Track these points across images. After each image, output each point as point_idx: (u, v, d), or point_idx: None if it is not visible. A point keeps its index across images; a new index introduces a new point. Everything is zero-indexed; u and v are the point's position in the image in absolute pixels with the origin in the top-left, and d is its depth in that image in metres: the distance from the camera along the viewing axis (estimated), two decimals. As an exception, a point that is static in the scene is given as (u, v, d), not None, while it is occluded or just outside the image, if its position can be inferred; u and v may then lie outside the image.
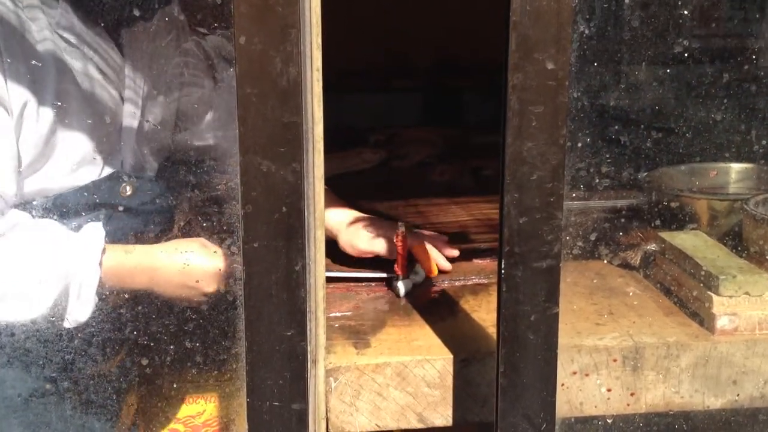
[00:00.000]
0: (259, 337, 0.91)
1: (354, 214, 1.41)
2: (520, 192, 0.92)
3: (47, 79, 1.13)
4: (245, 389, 0.92)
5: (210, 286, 1.16)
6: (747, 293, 1.14)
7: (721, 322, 1.13)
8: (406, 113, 3.09)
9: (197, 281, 1.15)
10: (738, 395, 1.11)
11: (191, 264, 1.15)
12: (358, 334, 1.15)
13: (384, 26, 3.03)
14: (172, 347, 1.16)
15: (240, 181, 0.88)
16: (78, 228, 1.15)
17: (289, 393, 0.92)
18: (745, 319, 1.13)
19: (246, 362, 0.91)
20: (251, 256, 0.90)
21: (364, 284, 1.33)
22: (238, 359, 0.94)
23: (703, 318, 1.16)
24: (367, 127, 2.49)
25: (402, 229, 1.30)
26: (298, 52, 0.86)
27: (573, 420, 1.11)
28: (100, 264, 1.12)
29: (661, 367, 1.10)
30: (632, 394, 1.10)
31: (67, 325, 1.11)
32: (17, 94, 1.10)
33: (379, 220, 1.42)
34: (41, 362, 1.14)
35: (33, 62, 1.11)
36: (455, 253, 1.40)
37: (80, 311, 1.11)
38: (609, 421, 1.12)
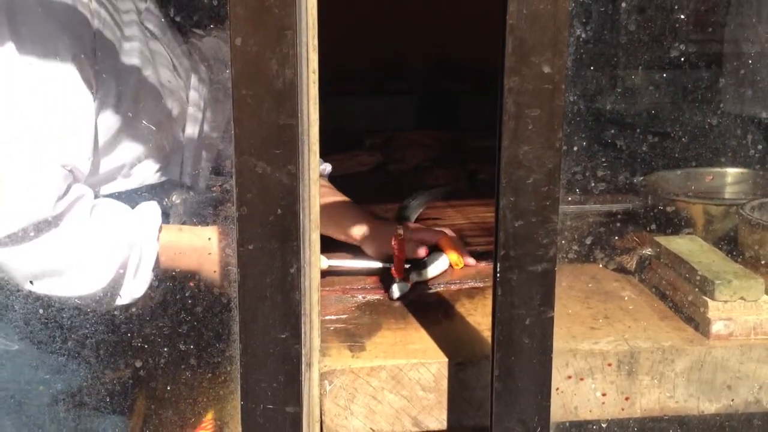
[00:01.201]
0: (253, 340, 0.91)
1: (375, 225, 1.42)
2: (516, 195, 0.92)
3: (131, 75, 1.16)
4: (239, 392, 0.92)
5: None
6: (742, 298, 1.14)
7: (717, 327, 1.13)
8: (402, 116, 3.09)
9: None
10: (733, 400, 1.11)
11: None
12: (353, 337, 1.15)
13: (380, 29, 3.03)
14: (166, 350, 1.16)
15: (235, 182, 0.88)
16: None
17: (283, 396, 0.92)
18: (741, 324, 1.13)
19: (240, 365, 0.91)
20: (246, 258, 0.89)
21: (359, 287, 1.33)
22: (232, 362, 0.94)
23: (698, 323, 1.16)
24: (363, 130, 2.49)
25: (400, 231, 1.30)
26: (294, 53, 0.86)
27: (568, 424, 1.11)
28: (158, 240, 1.13)
29: (656, 372, 1.10)
30: (627, 399, 1.10)
31: (120, 301, 1.12)
32: (101, 86, 1.12)
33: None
34: (35, 364, 1.14)
35: (121, 56, 1.14)
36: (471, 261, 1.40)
37: (136, 286, 1.12)
38: (604, 425, 1.12)
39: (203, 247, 1.16)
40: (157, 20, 1.20)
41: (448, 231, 1.44)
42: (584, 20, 1.00)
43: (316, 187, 0.97)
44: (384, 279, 1.34)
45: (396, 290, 1.28)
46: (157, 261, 1.13)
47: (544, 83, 0.90)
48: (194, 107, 1.26)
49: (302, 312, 0.92)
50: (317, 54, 0.94)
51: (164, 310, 1.15)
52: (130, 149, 1.18)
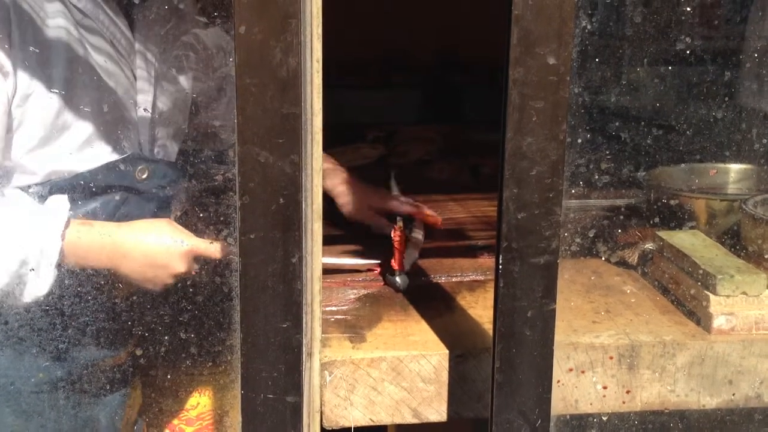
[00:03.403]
0: (254, 329, 0.91)
1: (351, 182, 1.45)
2: (519, 187, 0.92)
3: (59, 54, 1.12)
4: (239, 381, 0.91)
5: (180, 266, 1.13)
6: (744, 293, 1.14)
7: (718, 322, 1.13)
8: (404, 110, 3.09)
9: (167, 261, 1.12)
10: (734, 395, 1.11)
11: (160, 243, 1.12)
12: (353, 328, 1.15)
13: (384, 23, 3.03)
14: (166, 338, 1.16)
15: (237, 171, 0.88)
16: (89, 211, 1.14)
17: (283, 385, 0.92)
18: (742, 318, 1.13)
19: (241, 354, 0.91)
20: (248, 248, 0.89)
21: (360, 279, 1.33)
22: (232, 351, 0.93)
23: (700, 317, 1.16)
24: (366, 123, 2.49)
25: (400, 223, 1.29)
26: (298, 42, 0.86)
27: (568, 417, 1.10)
28: (62, 237, 1.08)
29: (657, 366, 1.10)
30: (628, 392, 1.10)
31: (25, 299, 1.08)
32: (25, 68, 1.08)
33: (372, 191, 1.46)
34: (35, 351, 1.13)
35: (44, 37, 1.10)
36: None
37: (39, 285, 1.08)
38: (604, 418, 1.12)
39: (114, 244, 1.11)
40: (88, 4, 1.15)
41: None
42: (590, 12, 1.00)
43: (318, 177, 0.97)
44: (384, 271, 1.34)
45: (400, 282, 1.28)
46: (65, 257, 1.09)
47: (549, 75, 0.89)
48: (143, 86, 1.23)
49: (303, 302, 0.92)
50: (321, 43, 0.94)
51: (165, 298, 1.15)
52: (77, 132, 1.14)
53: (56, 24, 1.12)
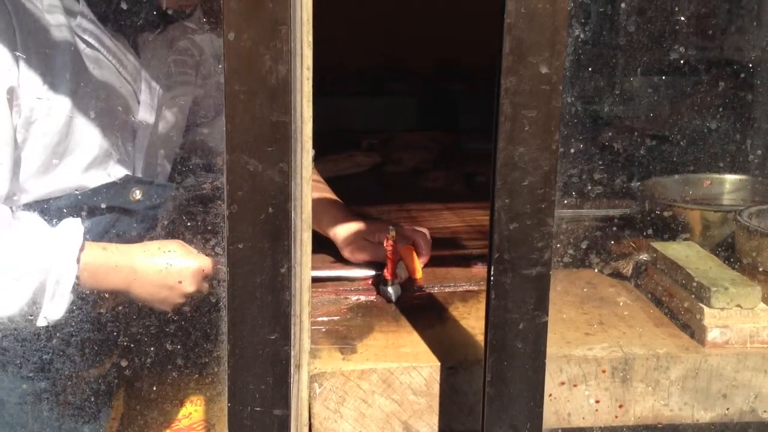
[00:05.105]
0: (241, 341, 0.89)
1: (355, 226, 1.40)
2: (511, 197, 0.91)
3: (62, 78, 1.12)
4: (226, 393, 0.90)
5: (191, 286, 1.13)
6: (739, 306, 1.13)
7: (712, 335, 1.12)
8: (400, 117, 3.08)
9: (178, 281, 1.13)
10: (728, 409, 1.10)
11: (171, 263, 1.13)
12: (344, 339, 1.13)
13: (381, 30, 3.02)
14: (152, 349, 1.14)
15: (226, 180, 0.86)
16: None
17: (271, 398, 0.90)
18: (737, 331, 1.12)
19: (228, 366, 0.90)
20: (236, 257, 0.88)
21: (352, 289, 1.32)
22: (219, 362, 0.92)
23: (694, 330, 1.15)
24: (360, 130, 2.48)
25: (393, 233, 1.28)
26: (288, 49, 0.85)
27: (560, 431, 1.09)
28: (78, 261, 1.09)
29: (650, 379, 1.09)
30: (621, 406, 1.09)
31: (40, 323, 1.09)
32: (29, 92, 1.09)
33: (375, 229, 1.39)
34: (18, 362, 1.12)
35: (49, 62, 1.10)
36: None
37: (54, 309, 1.08)
38: (597, 432, 1.11)
39: (129, 267, 1.12)
40: (91, 30, 1.15)
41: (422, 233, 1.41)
42: (583, 21, 0.99)
43: (308, 186, 0.96)
44: (376, 281, 1.33)
45: (391, 292, 1.27)
46: (80, 281, 1.09)
47: (541, 84, 0.88)
48: (145, 112, 1.23)
49: (292, 313, 0.90)
50: (312, 50, 0.93)
51: (151, 308, 1.13)
52: (77, 158, 1.15)
53: (62, 52, 1.12)
